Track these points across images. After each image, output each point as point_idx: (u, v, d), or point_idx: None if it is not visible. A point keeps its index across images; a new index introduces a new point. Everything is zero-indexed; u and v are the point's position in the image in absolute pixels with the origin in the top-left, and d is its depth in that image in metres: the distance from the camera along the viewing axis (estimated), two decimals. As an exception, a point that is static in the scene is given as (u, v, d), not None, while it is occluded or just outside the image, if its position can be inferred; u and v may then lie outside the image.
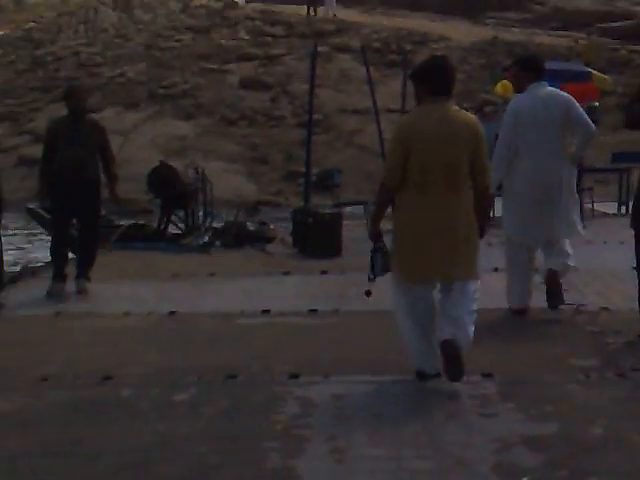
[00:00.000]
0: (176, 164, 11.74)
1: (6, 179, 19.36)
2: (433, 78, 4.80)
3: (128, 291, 8.05)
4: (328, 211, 10.30)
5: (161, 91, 24.84)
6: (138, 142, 21.35)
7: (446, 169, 4.76)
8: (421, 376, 4.99)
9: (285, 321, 6.74)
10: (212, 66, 26.68)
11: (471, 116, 4.98)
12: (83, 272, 7.96)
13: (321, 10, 31.59)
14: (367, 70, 12.90)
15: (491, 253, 9.61)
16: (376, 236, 4.94)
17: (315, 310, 7.00)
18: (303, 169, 13.65)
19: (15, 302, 7.63)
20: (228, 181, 19.63)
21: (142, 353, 5.87)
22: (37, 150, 21.25)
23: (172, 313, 7.03)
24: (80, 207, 7.72)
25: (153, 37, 31.44)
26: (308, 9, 31.51)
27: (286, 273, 8.77)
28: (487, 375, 5.04)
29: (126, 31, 34.68)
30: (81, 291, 7.84)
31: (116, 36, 33.63)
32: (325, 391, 4.90)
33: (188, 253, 10.20)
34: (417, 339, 4.90)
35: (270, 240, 10.90)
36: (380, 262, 4.93)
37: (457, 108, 4.92)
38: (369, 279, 4.99)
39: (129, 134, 21.85)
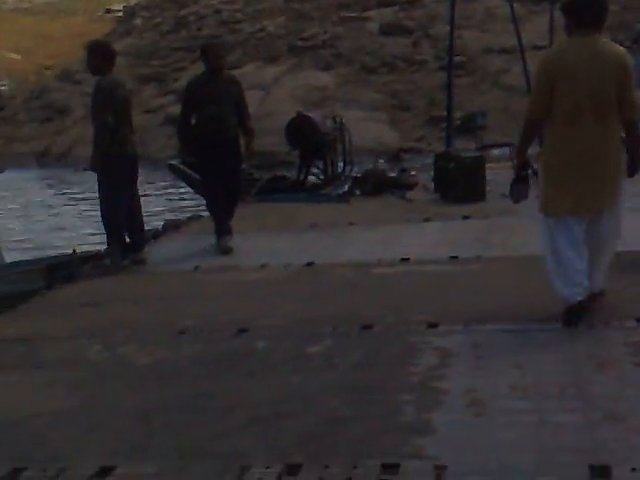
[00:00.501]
0: (315, 114, 11.58)
1: (153, 138, 20.01)
2: (583, 12, 4.70)
3: (266, 243, 8.01)
4: (470, 154, 9.90)
5: (300, 43, 24.72)
6: (279, 95, 21.35)
7: (594, 101, 4.68)
8: (567, 313, 4.72)
9: (424, 269, 6.50)
10: (351, 14, 26.32)
11: (620, 48, 4.82)
12: (226, 229, 7.87)
13: None
14: (511, 6, 12.36)
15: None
16: (521, 166, 5.03)
17: (456, 257, 6.72)
18: (446, 113, 13.23)
19: (158, 257, 7.74)
20: (369, 129, 19.35)
21: (279, 305, 5.80)
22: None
23: (309, 264, 6.93)
24: (223, 163, 7.60)
25: (293, -11, 31.34)
26: None
27: (427, 220, 8.50)
28: (642, 321, 4.65)
29: (266, -15, 34.78)
30: (227, 249, 7.69)
31: (256, -9, 33.78)
32: (465, 341, 4.67)
33: (327, 203, 10.07)
34: (562, 269, 4.75)
35: (411, 187, 10.60)
36: (517, 190, 5.02)
37: (606, 40, 4.79)
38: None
39: (270, 88, 21.90)
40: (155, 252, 7.98)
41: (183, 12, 30.89)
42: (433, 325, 4.94)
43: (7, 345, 5.29)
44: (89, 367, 4.79)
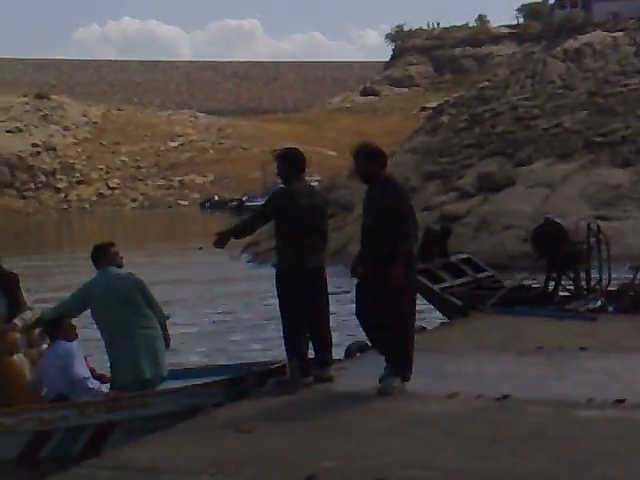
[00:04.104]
0: (567, 220, 10.51)
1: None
2: None
3: (475, 366, 7.09)
4: None
5: (598, 139, 23.32)
6: (565, 194, 20.11)
7: None
8: None
9: (636, 417, 5.27)
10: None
11: None
12: (392, 369, 6.41)
13: None
14: None
15: None
16: None
17: (685, 405, 5.40)
18: None
19: (353, 374, 7.10)
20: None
21: (438, 451, 4.91)
22: (459, 207, 21.14)
23: (504, 398, 5.94)
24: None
25: (599, 84, 30.02)
26: None
27: (676, 350, 7.10)
28: None
29: (572, 81, 33.63)
30: (383, 393, 6.31)
31: (561, 87, 32.75)
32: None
33: (571, 320, 8.88)
34: None
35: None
36: None
37: None
38: None
39: (557, 186, 20.70)
40: (353, 368, 7.37)
41: (479, 109, 30.61)
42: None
43: (126, 474, 4.90)
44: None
